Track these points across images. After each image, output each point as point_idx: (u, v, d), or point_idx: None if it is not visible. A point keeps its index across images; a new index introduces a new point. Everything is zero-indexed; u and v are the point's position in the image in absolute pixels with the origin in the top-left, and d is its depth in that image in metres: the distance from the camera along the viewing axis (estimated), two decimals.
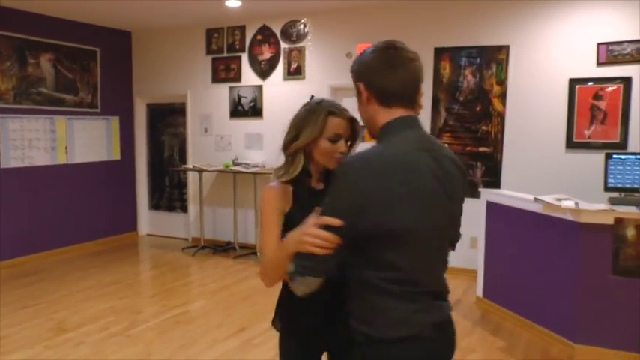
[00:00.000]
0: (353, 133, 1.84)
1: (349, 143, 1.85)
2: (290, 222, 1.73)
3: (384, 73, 1.53)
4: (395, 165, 1.45)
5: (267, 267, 1.68)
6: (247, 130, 7.00)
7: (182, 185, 7.82)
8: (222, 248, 7.02)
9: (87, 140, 7.29)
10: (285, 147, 1.85)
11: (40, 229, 6.73)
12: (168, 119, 7.89)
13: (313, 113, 1.80)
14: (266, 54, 6.82)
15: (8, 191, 6.36)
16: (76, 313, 4.79)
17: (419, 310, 1.50)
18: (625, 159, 4.27)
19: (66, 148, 7.01)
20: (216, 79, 7.20)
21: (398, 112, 1.53)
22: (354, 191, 1.42)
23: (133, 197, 8.03)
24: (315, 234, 1.43)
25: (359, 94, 1.59)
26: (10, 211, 6.38)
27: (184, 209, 7.79)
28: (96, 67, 7.38)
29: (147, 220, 8.12)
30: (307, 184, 1.85)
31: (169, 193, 7.98)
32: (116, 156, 7.71)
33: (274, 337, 4.08)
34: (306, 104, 1.87)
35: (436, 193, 1.50)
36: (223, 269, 6.18)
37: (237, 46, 7.01)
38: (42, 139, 6.76)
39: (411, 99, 1.54)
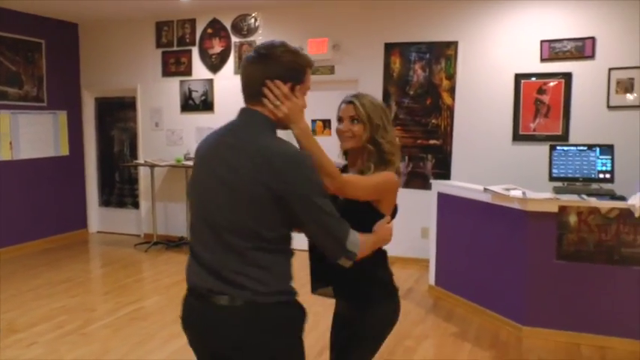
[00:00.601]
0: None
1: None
2: None
3: None
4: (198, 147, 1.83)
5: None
6: (199, 124, 6.95)
7: (133, 181, 7.69)
8: (175, 244, 6.95)
9: (33, 135, 7.07)
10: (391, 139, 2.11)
11: None
12: (117, 113, 7.74)
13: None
14: (217, 48, 6.78)
15: None
16: (26, 312, 4.67)
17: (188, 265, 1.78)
18: (567, 150, 4.49)
19: (10, 143, 6.78)
20: (166, 72, 7.12)
21: None
22: None
23: (82, 194, 7.84)
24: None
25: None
26: None
27: (136, 205, 7.66)
28: (41, 60, 7.15)
29: (97, 216, 7.95)
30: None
31: (120, 188, 7.83)
32: (64, 151, 7.51)
33: None
34: (365, 95, 2.15)
35: (208, 176, 1.70)
36: (177, 264, 6.13)
37: (188, 40, 6.94)
38: None
39: (245, 95, 1.76)
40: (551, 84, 5.37)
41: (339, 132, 2.09)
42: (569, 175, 4.48)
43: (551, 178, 4.56)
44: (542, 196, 4.08)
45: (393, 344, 3.97)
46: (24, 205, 6.95)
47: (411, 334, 4.17)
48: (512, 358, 3.76)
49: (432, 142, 5.89)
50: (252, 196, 1.58)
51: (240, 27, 6.63)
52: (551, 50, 5.35)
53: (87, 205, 7.89)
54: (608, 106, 5.22)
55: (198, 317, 1.71)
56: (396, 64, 5.94)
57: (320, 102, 6.00)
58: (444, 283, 5.04)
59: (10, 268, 6.08)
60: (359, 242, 1.70)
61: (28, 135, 7.01)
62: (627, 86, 5.13)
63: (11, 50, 6.76)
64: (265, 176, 1.56)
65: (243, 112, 1.74)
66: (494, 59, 5.61)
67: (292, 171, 1.58)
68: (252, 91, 1.71)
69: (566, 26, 5.30)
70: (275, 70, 1.68)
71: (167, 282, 5.49)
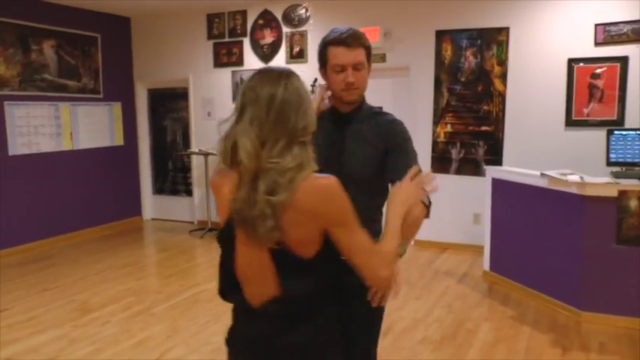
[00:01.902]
0: None
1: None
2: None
3: None
4: None
5: (389, 259, 1.52)
6: None
7: (186, 169, 7.92)
8: None
9: (90, 126, 7.34)
10: (302, 133, 1.59)
11: (48, 214, 6.81)
12: (170, 104, 7.96)
13: (302, 83, 1.61)
14: (268, 38, 6.91)
15: (16, 178, 6.42)
16: (96, 294, 4.92)
17: None
18: (626, 134, 4.47)
19: (70, 134, 7.07)
20: (218, 63, 7.28)
21: None
22: None
23: (136, 182, 8.11)
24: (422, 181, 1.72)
25: (369, 66, 2.00)
26: (18, 197, 6.45)
27: (189, 193, 7.89)
28: (97, 53, 7.41)
29: (151, 204, 8.22)
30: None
31: (173, 177, 8.07)
32: (119, 141, 7.78)
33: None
34: (293, 75, 1.58)
35: None
36: None
37: (239, 31, 7.09)
38: (47, 126, 6.81)
39: None
40: (606, 68, 5.32)
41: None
42: (628, 160, 4.47)
43: (609, 163, 4.55)
44: (601, 181, 4.09)
45: (454, 327, 4.06)
46: (81, 193, 7.24)
47: (470, 317, 4.25)
48: (572, 342, 3.81)
49: (483, 128, 5.91)
50: None
51: (291, 17, 6.74)
52: (606, 34, 5.30)
53: (141, 193, 8.16)
54: None
55: None
56: (448, 51, 5.97)
57: (371, 89, 6.04)
58: (498, 268, 5.09)
59: (74, 254, 6.36)
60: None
61: (86, 126, 7.29)
62: None
63: (70, 45, 7.02)
64: None
65: None
66: (547, 44, 5.58)
67: None
68: None
69: (622, 9, 5.24)
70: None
71: None
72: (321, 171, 1.46)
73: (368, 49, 1.97)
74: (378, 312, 2.07)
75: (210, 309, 4.48)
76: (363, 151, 1.98)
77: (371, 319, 2.07)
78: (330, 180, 1.43)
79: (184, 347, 3.78)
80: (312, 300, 1.52)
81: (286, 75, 1.48)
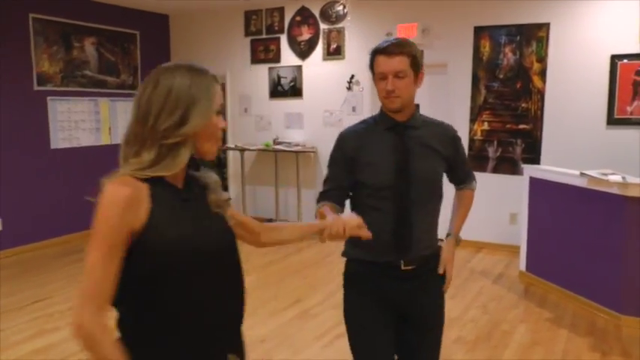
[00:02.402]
0: None
1: None
2: (144, 241, 1.26)
3: None
4: None
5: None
6: (287, 110, 7.14)
7: (221, 165, 8.01)
8: None
9: (128, 121, 7.47)
10: (165, 135, 1.29)
11: (87, 206, 6.95)
12: None
13: (201, 80, 1.35)
14: (305, 35, 6.92)
15: (57, 171, 6.59)
16: None
17: None
18: None
19: (109, 128, 7.21)
20: (255, 59, 7.33)
21: None
22: None
23: None
24: None
25: (417, 76, 2.01)
26: (59, 189, 6.62)
27: (224, 188, 7.92)
28: (136, 50, 7.54)
29: None
30: (170, 182, 1.35)
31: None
32: None
33: (331, 307, 4.28)
34: (170, 72, 1.34)
35: None
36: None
37: (276, 28, 7.12)
38: (87, 121, 6.97)
39: None
40: None
41: (217, 131, 1.41)
42: None
43: None
44: None
45: (489, 328, 4.01)
46: None
47: (505, 319, 4.19)
48: (612, 347, 3.71)
49: (521, 126, 5.80)
50: None
51: (329, 14, 6.74)
52: None
53: None
54: None
55: None
56: (486, 47, 5.88)
57: None
58: (535, 269, 4.99)
59: None
60: None
61: (124, 121, 7.38)
62: None
63: (110, 42, 7.17)
64: None
65: None
66: (589, 40, 5.44)
67: None
68: None
69: None
70: None
71: (262, 261, 5.70)
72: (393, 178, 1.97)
73: (413, 57, 1.96)
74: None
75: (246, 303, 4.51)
76: (429, 156, 2.06)
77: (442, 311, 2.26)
78: (111, 187, 1.27)
79: None
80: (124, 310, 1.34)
81: (165, 70, 1.34)
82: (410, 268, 2.04)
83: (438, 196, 2.12)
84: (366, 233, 1.72)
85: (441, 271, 2.12)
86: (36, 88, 6.36)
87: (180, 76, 1.31)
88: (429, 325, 2.16)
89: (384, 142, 2.04)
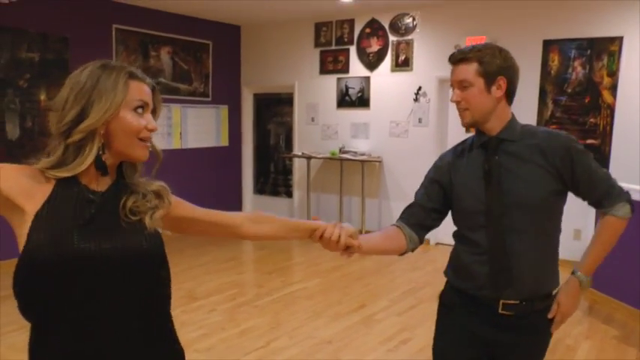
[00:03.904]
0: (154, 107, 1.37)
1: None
2: (28, 235, 1.22)
3: (517, 74, 1.84)
4: None
5: None
6: (354, 120, 7.28)
7: (287, 172, 8.23)
8: None
9: (198, 127, 7.81)
10: (67, 131, 1.25)
11: None
12: (274, 108, 8.32)
13: (109, 75, 1.27)
14: (374, 46, 7.07)
15: None
16: (201, 284, 5.25)
17: None
18: None
19: (180, 134, 7.55)
20: (324, 70, 7.53)
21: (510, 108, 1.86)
22: None
23: (238, 182, 8.52)
24: None
25: (491, 86, 1.76)
26: None
27: (289, 194, 8.19)
28: (208, 59, 7.87)
29: (251, 203, 8.60)
30: (84, 184, 1.29)
31: (274, 178, 8.41)
32: (224, 142, 8.21)
33: (395, 314, 4.37)
34: (81, 69, 1.30)
35: None
36: (332, 252, 6.51)
37: (346, 39, 7.30)
38: (160, 125, 7.18)
39: None
40: None
41: (137, 131, 1.31)
42: None
43: None
44: None
45: (553, 343, 3.98)
46: (188, 190, 7.60)
47: (570, 334, 4.16)
48: None
49: (589, 141, 5.74)
50: None
51: (398, 26, 6.86)
52: None
53: (242, 192, 8.56)
54: None
55: None
56: (555, 61, 5.86)
57: None
58: (601, 286, 4.92)
59: (178, 246, 6.76)
60: None
61: (195, 127, 7.77)
62: None
63: (184, 51, 7.52)
64: None
65: None
66: None
67: None
68: None
69: None
70: None
71: (325, 267, 5.84)
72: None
73: (480, 63, 1.75)
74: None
75: (311, 306, 4.67)
76: (530, 174, 1.76)
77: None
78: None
79: (287, 339, 3.98)
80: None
81: (78, 69, 1.30)
82: (509, 313, 1.79)
83: (549, 224, 1.81)
84: (356, 244, 1.71)
85: (551, 314, 1.83)
86: None
87: (89, 72, 1.27)
88: None
89: (476, 161, 1.82)
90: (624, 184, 4.80)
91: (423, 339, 3.96)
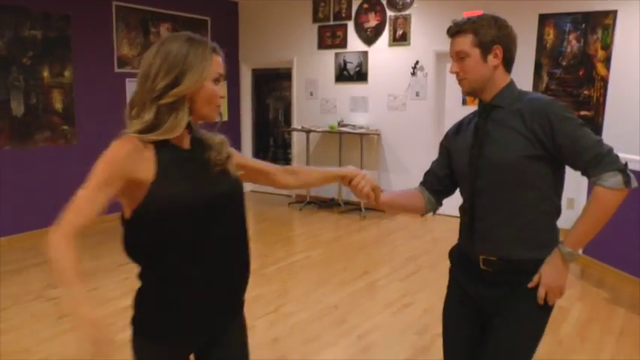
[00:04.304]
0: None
1: None
2: (151, 197, 1.45)
3: (515, 42, 1.87)
4: None
5: (56, 268, 1.36)
6: (352, 94, 7.42)
7: (286, 145, 8.39)
8: (326, 204, 7.57)
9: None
10: (159, 95, 1.45)
11: None
12: (273, 84, 8.44)
13: (196, 49, 1.49)
14: (372, 21, 7.17)
15: None
16: None
17: None
18: None
19: None
20: (322, 45, 7.63)
21: (509, 76, 1.89)
22: None
23: None
24: None
25: (487, 55, 1.81)
26: None
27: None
28: (207, 36, 7.94)
29: None
30: (174, 144, 1.53)
31: (274, 152, 8.57)
32: (224, 117, 8.33)
33: (397, 280, 4.58)
34: (168, 41, 1.50)
35: None
36: (332, 223, 6.73)
37: (344, 15, 7.40)
38: None
39: None
40: None
41: (214, 98, 1.59)
42: None
43: None
44: None
45: None
46: None
47: (564, 296, 4.38)
48: None
49: (582, 113, 5.91)
50: None
51: (396, 1, 6.97)
52: None
53: None
54: None
55: None
56: (550, 35, 6.00)
57: None
58: (592, 252, 5.14)
59: None
60: None
61: None
62: None
63: (183, 27, 7.57)
64: None
65: None
66: None
67: None
68: None
69: None
70: None
71: (327, 237, 6.05)
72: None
73: (475, 34, 1.79)
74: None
75: (316, 274, 4.88)
76: (508, 138, 1.78)
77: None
78: (113, 145, 1.44)
79: (296, 304, 4.19)
80: (138, 261, 1.57)
81: (167, 38, 1.50)
82: (488, 269, 1.86)
83: (525, 190, 1.80)
84: (372, 196, 1.96)
85: (531, 284, 1.82)
86: (117, 70, 6.84)
87: (179, 44, 1.47)
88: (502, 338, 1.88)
89: (471, 129, 1.91)
90: (619, 154, 4.96)
91: (424, 302, 4.19)
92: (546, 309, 1.88)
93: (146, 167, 1.45)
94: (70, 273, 1.34)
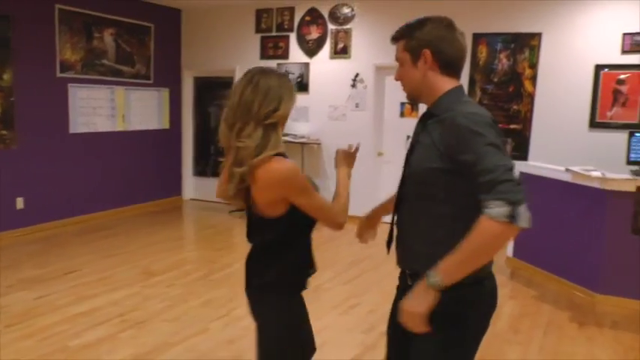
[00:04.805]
0: None
1: None
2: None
3: (452, 44, 1.74)
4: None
5: (345, 209, 2.01)
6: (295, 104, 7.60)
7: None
8: None
9: (141, 109, 7.89)
10: (265, 118, 1.85)
11: (101, 189, 7.37)
12: (215, 92, 8.51)
13: (287, 82, 1.94)
14: (314, 34, 7.41)
15: (77, 154, 6.99)
16: (156, 261, 5.46)
17: None
18: None
19: (123, 116, 7.61)
20: (264, 55, 7.80)
21: (455, 82, 1.77)
22: None
23: (179, 164, 8.66)
24: None
25: (417, 60, 1.74)
26: (78, 172, 7.01)
27: None
28: (150, 42, 7.94)
29: (191, 185, 8.78)
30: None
31: (214, 160, 8.61)
32: (165, 125, 8.32)
33: (341, 284, 4.77)
34: (263, 75, 1.90)
35: None
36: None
37: (286, 26, 7.60)
38: (104, 107, 7.36)
39: (460, 71, 1.81)
40: (631, 75, 5.75)
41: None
42: None
43: (629, 162, 5.00)
44: (621, 177, 4.54)
45: None
46: (131, 171, 7.79)
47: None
48: (588, 319, 4.29)
49: (512, 126, 6.36)
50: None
51: (337, 16, 7.23)
52: (633, 43, 5.73)
53: (182, 174, 8.71)
54: None
55: None
56: (483, 53, 6.42)
57: None
58: (521, 255, 5.55)
59: (129, 226, 6.93)
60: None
61: (137, 109, 7.84)
62: None
63: (127, 33, 7.56)
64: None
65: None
66: (576, 50, 6.02)
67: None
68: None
69: None
70: None
71: None
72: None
73: (407, 40, 1.76)
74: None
75: None
76: (425, 148, 1.71)
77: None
78: (281, 165, 1.85)
79: (246, 308, 4.25)
80: (269, 252, 2.00)
81: (261, 74, 1.89)
82: (411, 283, 1.75)
83: (435, 199, 1.69)
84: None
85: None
86: (59, 74, 6.74)
87: (274, 79, 1.89)
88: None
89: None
90: (541, 164, 5.34)
91: (370, 303, 4.41)
92: (457, 324, 1.74)
93: None
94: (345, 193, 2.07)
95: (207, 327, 3.97)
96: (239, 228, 7.04)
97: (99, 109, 7.28)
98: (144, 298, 4.48)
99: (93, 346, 3.60)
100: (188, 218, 7.78)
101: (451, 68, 1.76)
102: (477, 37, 6.45)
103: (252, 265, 2.06)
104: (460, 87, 1.77)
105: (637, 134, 4.98)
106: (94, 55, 7.16)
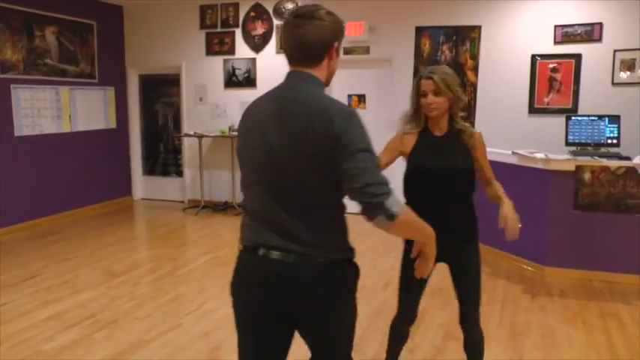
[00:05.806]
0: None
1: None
2: (413, 161, 2.60)
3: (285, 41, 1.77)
4: (245, 112, 1.83)
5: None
6: (242, 99, 7.65)
7: (177, 151, 8.41)
8: (221, 207, 7.73)
9: (87, 109, 7.74)
10: (417, 103, 2.52)
11: (49, 192, 7.19)
12: (161, 89, 8.43)
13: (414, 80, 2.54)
14: (259, 29, 7.48)
15: (22, 157, 6.79)
16: (117, 262, 5.42)
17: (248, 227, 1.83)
18: (581, 120, 5.32)
19: (69, 116, 7.44)
20: (210, 51, 7.81)
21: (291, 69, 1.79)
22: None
23: (127, 163, 8.54)
24: None
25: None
26: (24, 176, 6.82)
27: (179, 173, 8.39)
28: (93, 40, 7.78)
29: (141, 184, 8.67)
30: (428, 131, 2.58)
31: (164, 158, 8.55)
32: (112, 124, 8.18)
33: None
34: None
35: (260, 142, 1.72)
36: (231, 224, 6.92)
37: (231, 22, 7.64)
38: (49, 108, 7.18)
39: (294, 58, 1.76)
40: (564, 63, 6.16)
41: (425, 104, 2.45)
42: (582, 141, 5.32)
43: (567, 144, 5.38)
44: (562, 158, 4.90)
45: (441, 278, 4.79)
46: (78, 173, 7.63)
47: None
48: (539, 290, 4.62)
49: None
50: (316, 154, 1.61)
51: (282, 11, 7.33)
52: (564, 34, 6.13)
53: (132, 174, 8.59)
54: (613, 83, 6.04)
55: (263, 274, 1.78)
56: (426, 45, 6.69)
57: (356, 79, 6.79)
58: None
59: (79, 229, 6.80)
60: (401, 204, 1.60)
61: (83, 109, 7.68)
62: (630, 65, 5.94)
63: (69, 31, 7.39)
64: (328, 131, 1.59)
65: (295, 74, 1.75)
66: (513, 41, 6.38)
67: (349, 127, 1.61)
68: (306, 53, 1.73)
69: (578, 13, 6.09)
70: (326, 31, 1.76)
71: (230, 237, 6.24)
72: None
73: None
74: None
75: (228, 272, 5.03)
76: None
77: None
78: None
79: (216, 300, 4.38)
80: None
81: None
82: None
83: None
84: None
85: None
86: (0, 75, 6.52)
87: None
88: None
89: None
90: (490, 148, 5.61)
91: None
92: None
93: (409, 144, 2.65)
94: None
95: (181, 322, 4.01)
96: (196, 224, 7.06)
97: (44, 110, 7.10)
98: (111, 298, 4.46)
99: (69, 349, 3.58)
100: (140, 218, 7.70)
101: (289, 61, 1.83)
102: (420, 30, 6.72)
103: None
104: (289, 72, 1.82)
105: (573, 118, 5.36)
106: (36, 54, 6.96)
